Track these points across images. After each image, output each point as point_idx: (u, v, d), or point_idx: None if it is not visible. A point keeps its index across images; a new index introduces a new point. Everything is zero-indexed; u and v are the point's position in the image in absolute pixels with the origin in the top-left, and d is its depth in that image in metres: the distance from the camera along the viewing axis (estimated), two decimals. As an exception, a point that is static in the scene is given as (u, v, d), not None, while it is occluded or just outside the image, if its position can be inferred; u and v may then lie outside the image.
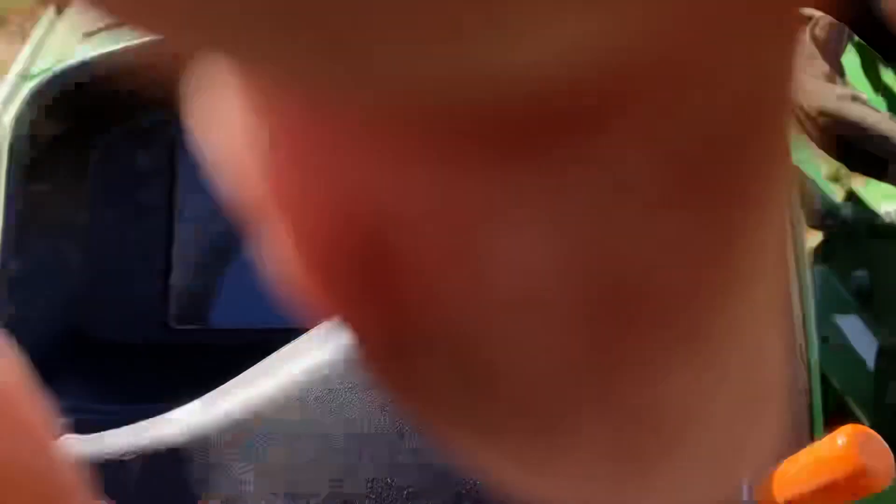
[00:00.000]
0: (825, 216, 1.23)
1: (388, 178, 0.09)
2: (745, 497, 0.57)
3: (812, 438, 0.76)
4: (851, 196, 1.26)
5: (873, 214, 1.23)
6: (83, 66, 0.87)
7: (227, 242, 0.93)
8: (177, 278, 0.93)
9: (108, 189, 0.94)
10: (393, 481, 0.63)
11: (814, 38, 0.94)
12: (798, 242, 0.72)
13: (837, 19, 0.92)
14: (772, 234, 0.09)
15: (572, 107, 0.08)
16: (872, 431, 0.53)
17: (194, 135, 0.10)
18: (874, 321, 1.19)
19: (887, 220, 1.22)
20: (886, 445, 0.53)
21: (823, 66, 0.93)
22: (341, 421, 0.65)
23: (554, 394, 0.10)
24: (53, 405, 0.12)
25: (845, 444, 0.52)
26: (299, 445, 0.65)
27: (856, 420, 1.12)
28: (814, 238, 1.27)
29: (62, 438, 0.75)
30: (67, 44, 0.94)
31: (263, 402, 0.67)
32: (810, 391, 0.81)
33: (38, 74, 0.93)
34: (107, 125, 0.93)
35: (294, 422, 0.66)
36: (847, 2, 0.91)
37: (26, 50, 1.10)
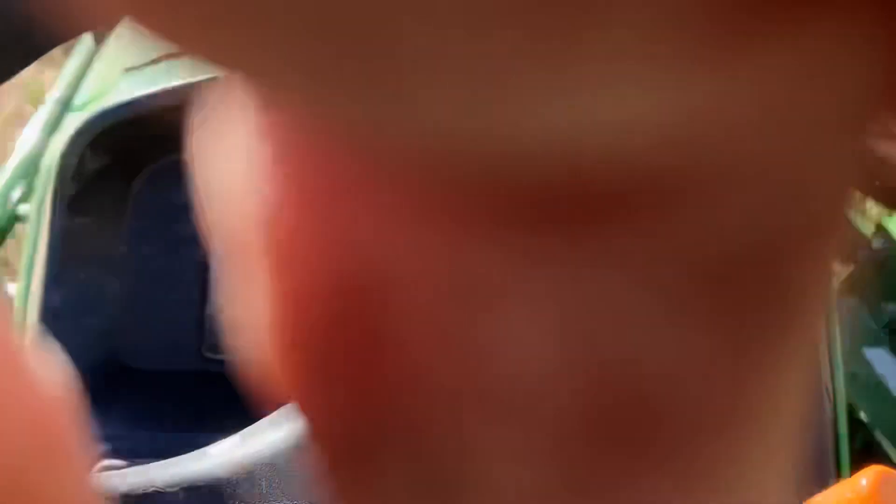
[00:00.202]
0: (854, 249, 1.23)
1: (395, 235, 0.08)
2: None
3: (838, 476, 0.76)
4: (880, 229, 1.26)
5: (903, 247, 1.23)
6: (131, 104, 0.88)
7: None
8: (212, 308, 0.95)
9: (146, 222, 0.95)
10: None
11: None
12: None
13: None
14: (797, 371, 0.09)
15: (610, 191, 0.07)
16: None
17: (192, 165, 0.09)
18: (904, 354, 1.19)
19: (917, 253, 1.22)
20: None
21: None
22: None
23: None
24: (93, 432, 0.12)
25: (868, 485, 0.53)
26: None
27: (884, 454, 1.12)
28: (843, 270, 1.27)
29: (101, 465, 0.76)
30: (109, 76, 0.96)
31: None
32: (836, 426, 0.81)
33: (83, 106, 0.95)
34: (148, 160, 0.95)
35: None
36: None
37: (64, 76, 1.12)
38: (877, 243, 1.26)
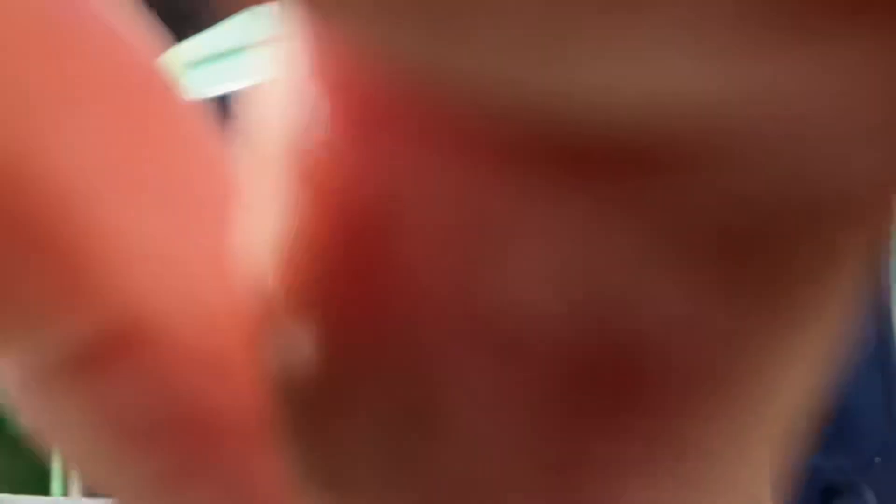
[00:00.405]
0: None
1: (417, 162, 0.08)
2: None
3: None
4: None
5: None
6: None
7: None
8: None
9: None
10: None
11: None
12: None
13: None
14: (801, 371, 0.08)
15: (636, 147, 0.07)
16: None
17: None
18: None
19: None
20: None
21: None
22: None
23: (500, 474, 0.08)
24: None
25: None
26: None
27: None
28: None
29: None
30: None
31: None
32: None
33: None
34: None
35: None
36: None
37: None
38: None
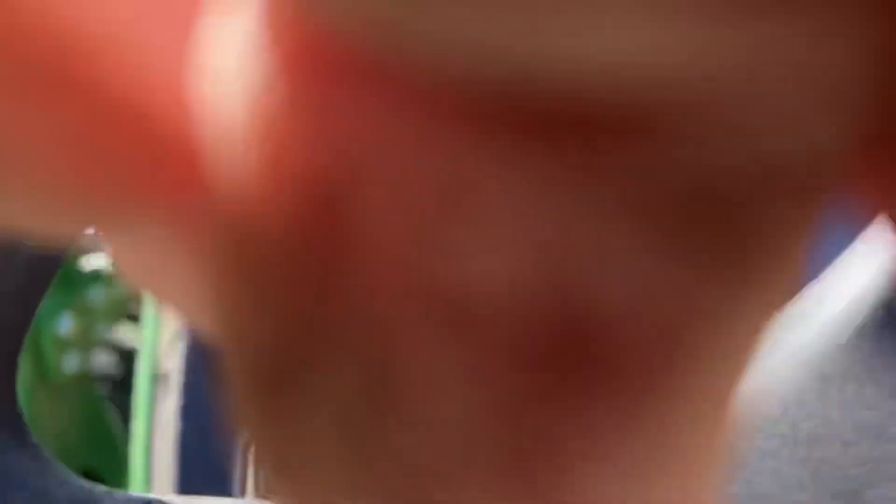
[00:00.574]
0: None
1: (376, 127, 0.08)
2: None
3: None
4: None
5: None
6: None
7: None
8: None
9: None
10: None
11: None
12: None
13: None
14: (745, 348, 0.08)
15: (602, 112, 0.07)
16: None
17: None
18: None
19: None
20: None
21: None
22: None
23: (460, 457, 0.08)
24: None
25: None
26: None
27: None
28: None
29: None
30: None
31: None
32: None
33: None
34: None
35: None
36: None
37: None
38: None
